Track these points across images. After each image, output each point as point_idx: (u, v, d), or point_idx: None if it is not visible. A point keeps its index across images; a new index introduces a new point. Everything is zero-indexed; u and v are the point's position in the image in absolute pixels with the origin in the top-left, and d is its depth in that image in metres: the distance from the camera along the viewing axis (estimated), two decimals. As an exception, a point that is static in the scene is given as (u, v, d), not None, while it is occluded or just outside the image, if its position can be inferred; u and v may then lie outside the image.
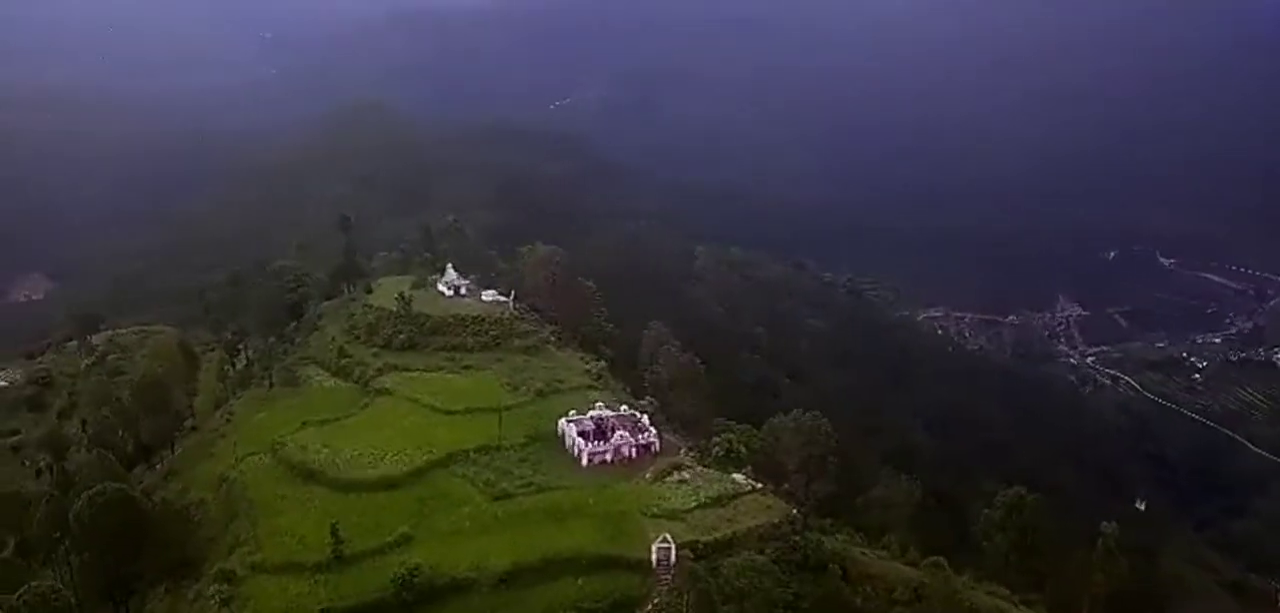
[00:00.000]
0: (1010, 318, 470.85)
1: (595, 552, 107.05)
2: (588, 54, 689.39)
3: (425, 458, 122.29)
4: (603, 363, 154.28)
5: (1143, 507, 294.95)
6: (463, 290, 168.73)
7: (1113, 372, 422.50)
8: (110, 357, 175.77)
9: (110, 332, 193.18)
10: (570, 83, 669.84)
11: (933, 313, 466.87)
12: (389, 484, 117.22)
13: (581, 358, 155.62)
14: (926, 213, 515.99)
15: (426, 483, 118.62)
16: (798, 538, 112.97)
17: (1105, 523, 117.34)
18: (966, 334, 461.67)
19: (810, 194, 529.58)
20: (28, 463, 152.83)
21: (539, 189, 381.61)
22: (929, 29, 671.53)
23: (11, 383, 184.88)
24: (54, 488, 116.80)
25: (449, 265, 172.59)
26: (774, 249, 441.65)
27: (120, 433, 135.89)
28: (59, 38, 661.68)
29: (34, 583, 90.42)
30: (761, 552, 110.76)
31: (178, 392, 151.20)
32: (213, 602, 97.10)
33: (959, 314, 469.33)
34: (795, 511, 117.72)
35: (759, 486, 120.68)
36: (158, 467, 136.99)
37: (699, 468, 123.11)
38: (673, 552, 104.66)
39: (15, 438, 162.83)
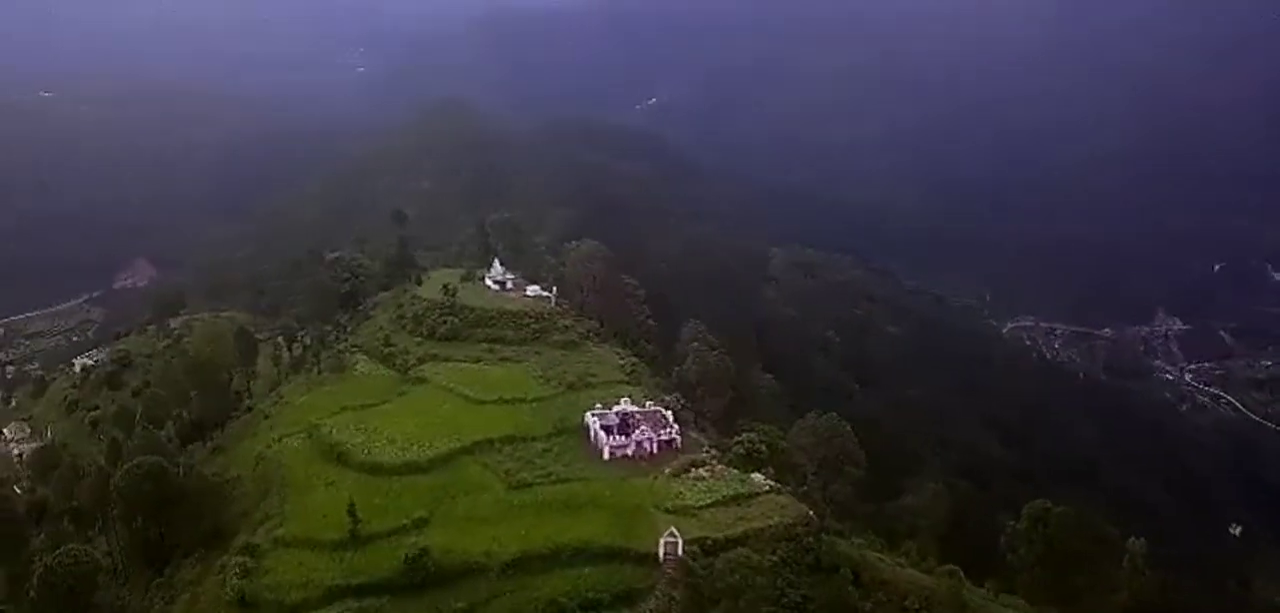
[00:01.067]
0: (1105, 331, 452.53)
1: (604, 544, 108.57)
2: (675, 54, 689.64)
3: (451, 445, 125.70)
4: (636, 359, 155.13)
5: (1237, 532, 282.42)
6: (508, 285, 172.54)
7: (1213, 390, 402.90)
8: (184, 340, 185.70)
9: (187, 317, 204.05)
10: (657, 83, 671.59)
11: (1021, 324, 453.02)
12: (413, 469, 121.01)
13: (617, 354, 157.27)
14: (1017, 220, 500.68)
15: (450, 469, 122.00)
16: (811, 540, 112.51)
17: (1133, 539, 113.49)
18: (1057, 346, 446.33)
19: (896, 198, 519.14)
20: (103, 437, 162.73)
21: (614, 188, 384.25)
22: (1022, 31, 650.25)
23: (98, 362, 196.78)
24: (105, 461, 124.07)
25: (496, 260, 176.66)
26: (856, 254, 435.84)
27: (173, 410, 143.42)
28: (172, 37, 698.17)
29: (67, 547, 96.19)
30: (773, 552, 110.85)
31: (236, 374, 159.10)
32: (234, 571, 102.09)
33: (1049, 325, 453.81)
34: (811, 512, 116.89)
35: (778, 486, 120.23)
36: (208, 444, 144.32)
37: (718, 466, 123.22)
38: (680, 547, 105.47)
39: (94, 413, 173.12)
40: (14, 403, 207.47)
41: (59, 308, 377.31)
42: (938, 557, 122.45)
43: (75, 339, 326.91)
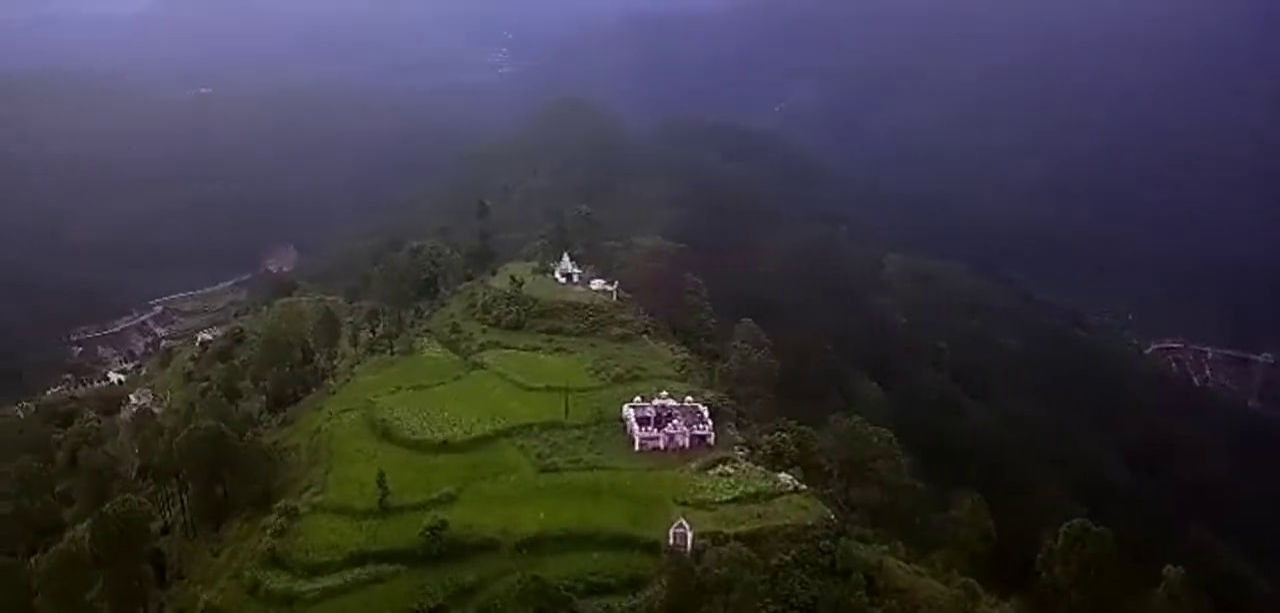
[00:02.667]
0: (1263, 356, 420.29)
1: (618, 530, 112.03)
2: (816, 55, 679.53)
3: (493, 427, 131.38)
4: (690, 355, 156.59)
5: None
6: (574, 278, 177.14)
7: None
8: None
9: (292, 299, 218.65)
10: (795, 85, 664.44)
11: (1168, 345, 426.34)
12: (451, 448, 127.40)
13: (671, 349, 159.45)
14: (1171, 235, 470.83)
15: (486, 450, 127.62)
16: (827, 542, 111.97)
17: (1170, 566, 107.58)
18: (1207, 371, 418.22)
19: (1036, 209, 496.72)
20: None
21: (728, 189, 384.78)
22: (1173, 39, 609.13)
23: (215, 337, 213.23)
24: (178, 423, 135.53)
25: (565, 254, 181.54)
26: (982, 265, 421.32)
27: (261, 383, 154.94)
28: (328, 39, 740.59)
29: (122, 496, 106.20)
30: (787, 552, 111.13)
31: (320, 353, 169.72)
32: (270, 531, 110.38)
33: (1199, 348, 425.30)
34: (831, 515, 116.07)
35: (802, 487, 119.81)
36: (281, 415, 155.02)
37: (746, 464, 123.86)
38: (689, 538, 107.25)
39: (204, 383, 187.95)
40: (144, 372, 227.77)
41: (212, 289, 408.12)
42: (964, 568, 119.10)
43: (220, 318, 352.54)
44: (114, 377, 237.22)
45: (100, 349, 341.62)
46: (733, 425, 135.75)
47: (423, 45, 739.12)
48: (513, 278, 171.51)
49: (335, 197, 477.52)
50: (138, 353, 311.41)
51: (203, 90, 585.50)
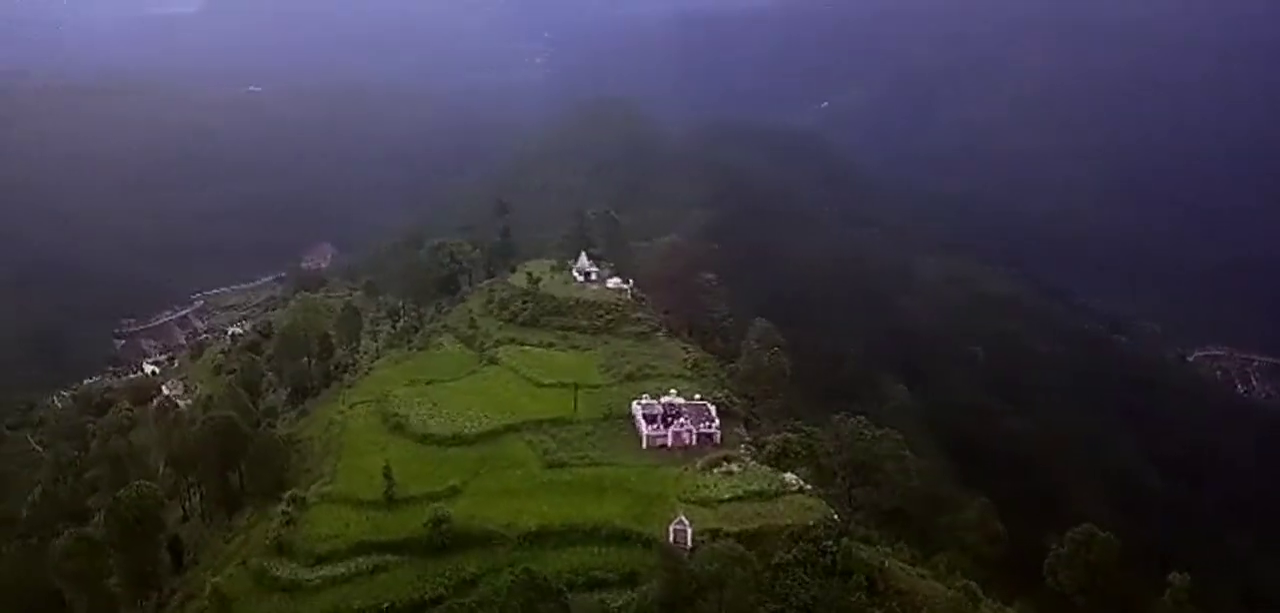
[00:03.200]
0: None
1: (619, 526, 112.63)
2: (864, 55, 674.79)
3: (502, 422, 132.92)
4: (703, 354, 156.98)
5: None
6: (592, 276, 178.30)
7: None
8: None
9: (311, 294, 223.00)
10: (838, 86, 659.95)
11: (1212, 352, 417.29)
12: (460, 441, 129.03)
13: (684, 348, 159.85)
14: (1216, 241, 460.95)
15: (494, 444, 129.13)
16: (829, 543, 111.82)
17: (1175, 573, 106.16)
18: (1253, 379, 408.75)
19: (1081, 212, 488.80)
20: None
21: (761, 190, 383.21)
22: (1223, 37, 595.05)
23: (245, 331, 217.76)
24: (197, 415, 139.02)
25: (582, 253, 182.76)
26: (1025, 269, 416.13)
27: (286, 374, 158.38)
28: (374, 38, 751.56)
29: (135, 483, 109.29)
30: (787, 551, 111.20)
31: (342, 347, 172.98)
32: (278, 520, 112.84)
33: (1245, 356, 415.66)
34: (835, 515, 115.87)
35: (807, 487, 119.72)
36: (298, 407, 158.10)
37: (751, 463, 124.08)
38: (688, 535, 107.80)
39: (230, 377, 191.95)
40: (176, 364, 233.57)
41: (251, 284, 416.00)
42: (967, 570, 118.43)
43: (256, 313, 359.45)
44: (149, 368, 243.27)
45: (143, 342, 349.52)
46: (741, 425, 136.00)
47: (466, 44, 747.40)
48: (529, 275, 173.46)
49: (375, 194, 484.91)
50: (180, 346, 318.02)
51: (252, 89, 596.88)
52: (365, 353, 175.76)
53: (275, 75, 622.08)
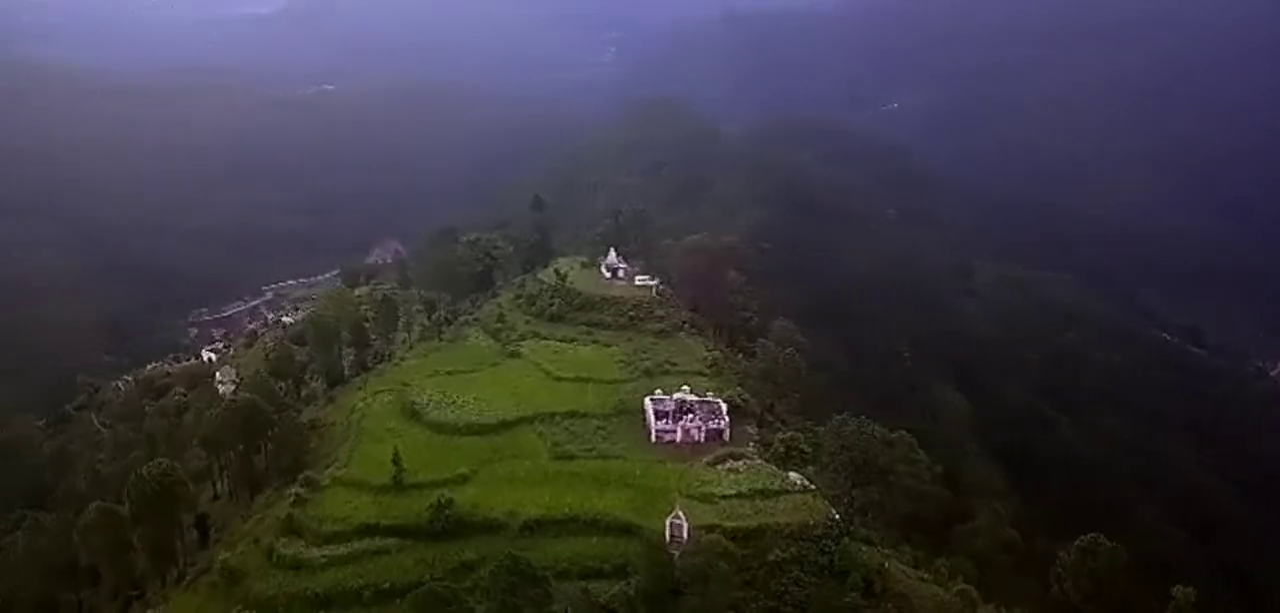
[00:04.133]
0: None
1: (619, 518, 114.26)
2: (931, 55, 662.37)
3: (516, 413, 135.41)
4: (725, 351, 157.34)
5: None
6: (619, 273, 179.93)
7: None
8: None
9: (342, 286, 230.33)
10: (905, 86, 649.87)
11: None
12: (474, 431, 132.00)
13: (705, 345, 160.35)
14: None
15: (506, 435, 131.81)
16: (828, 542, 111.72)
17: (1179, 586, 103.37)
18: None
19: (1158, 217, 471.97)
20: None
21: (817, 190, 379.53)
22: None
23: (295, 322, 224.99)
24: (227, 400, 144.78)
25: (611, 249, 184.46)
26: (1100, 277, 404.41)
27: (308, 364, 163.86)
28: (447, 38, 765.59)
29: (157, 461, 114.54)
30: (786, 549, 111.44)
31: (375, 337, 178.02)
32: (289, 501, 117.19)
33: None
34: (837, 516, 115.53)
35: (811, 486, 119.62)
36: (328, 394, 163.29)
37: (757, 461, 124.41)
38: (685, 529, 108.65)
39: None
40: (232, 352, 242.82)
41: (319, 278, 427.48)
42: (972, 576, 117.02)
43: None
44: (206, 355, 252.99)
45: (213, 331, 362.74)
46: (753, 423, 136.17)
47: (534, 43, 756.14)
48: (556, 271, 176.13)
49: (442, 189, 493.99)
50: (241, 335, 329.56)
51: (326, 87, 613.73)
52: (401, 344, 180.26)
53: (348, 74, 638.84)
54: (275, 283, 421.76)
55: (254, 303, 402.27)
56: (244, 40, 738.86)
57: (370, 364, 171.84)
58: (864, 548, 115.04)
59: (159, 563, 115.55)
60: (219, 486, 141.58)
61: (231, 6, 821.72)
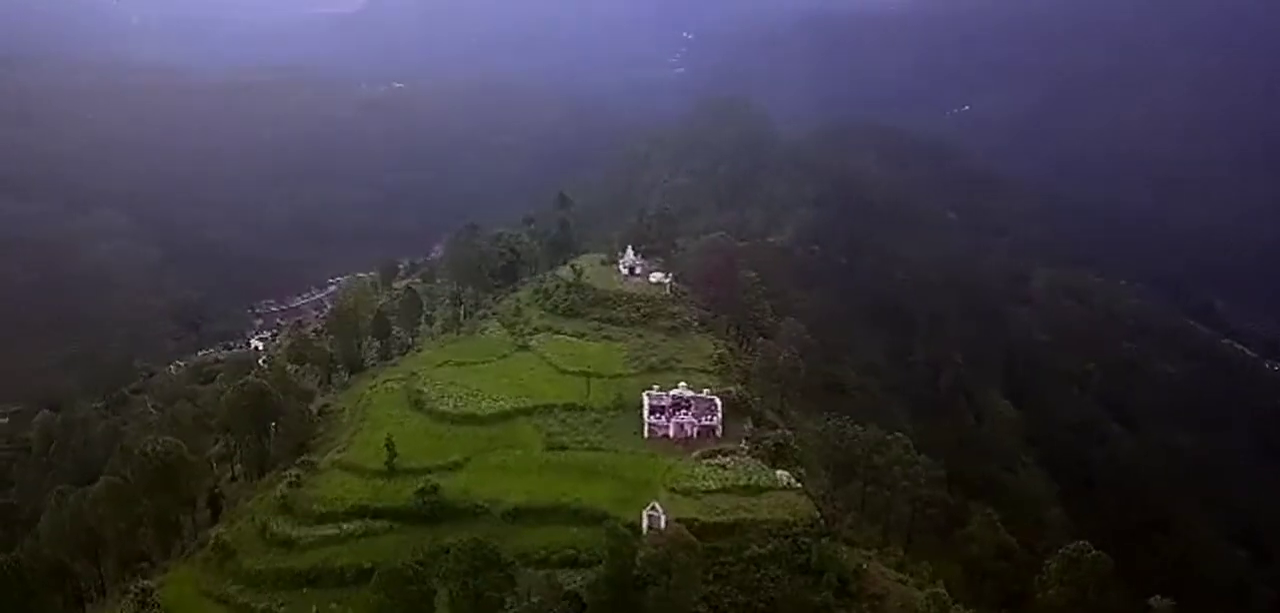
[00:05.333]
0: None
1: (601, 509, 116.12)
2: (1008, 57, 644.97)
3: (517, 404, 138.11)
4: (733, 349, 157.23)
5: None
6: (636, 270, 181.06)
7: None
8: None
9: (361, 277, 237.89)
10: (983, 88, 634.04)
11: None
12: (472, 420, 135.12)
13: (714, 343, 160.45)
14: None
15: (504, 425, 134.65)
16: (807, 540, 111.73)
17: (1157, 597, 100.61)
18: None
19: (1238, 228, 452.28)
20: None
21: (878, 193, 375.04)
22: None
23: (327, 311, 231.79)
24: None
25: (629, 247, 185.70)
26: (1168, 285, 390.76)
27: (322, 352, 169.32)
28: (520, 35, 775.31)
29: (162, 438, 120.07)
30: (764, 545, 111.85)
31: (398, 329, 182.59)
32: (287, 482, 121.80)
33: None
34: (819, 514, 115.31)
35: (796, 485, 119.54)
36: (345, 381, 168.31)
37: (746, 458, 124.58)
38: (662, 521, 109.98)
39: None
40: (276, 340, 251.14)
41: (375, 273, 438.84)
42: (957, 577, 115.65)
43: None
44: (255, 343, 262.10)
45: (280, 321, 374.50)
46: (750, 421, 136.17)
47: (608, 43, 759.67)
48: (572, 267, 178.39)
49: (507, 187, 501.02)
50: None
51: (396, 85, 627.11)
52: (424, 336, 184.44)
53: (422, 72, 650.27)
54: (340, 276, 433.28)
55: (319, 295, 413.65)
56: (324, 39, 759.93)
57: (394, 354, 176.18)
58: (844, 548, 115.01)
59: (165, 537, 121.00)
60: (234, 467, 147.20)
61: (315, 6, 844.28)
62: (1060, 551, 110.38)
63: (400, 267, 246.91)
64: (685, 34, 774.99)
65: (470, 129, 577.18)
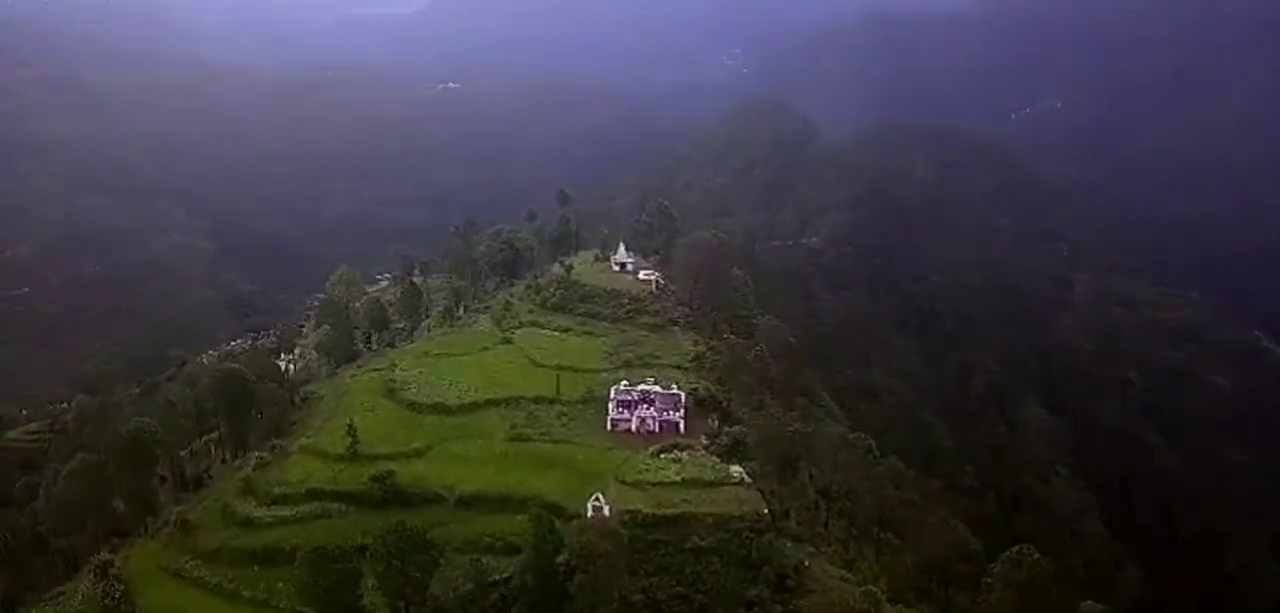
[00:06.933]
0: None
1: (551, 499, 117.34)
2: (1071, 60, 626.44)
3: (486, 396, 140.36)
4: (707, 346, 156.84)
5: None
6: (627, 267, 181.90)
7: None
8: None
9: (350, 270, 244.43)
10: (1041, 92, 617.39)
11: None
12: (441, 410, 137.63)
13: (694, 340, 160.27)
14: None
15: (471, 416, 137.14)
16: (750, 535, 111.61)
17: (1088, 602, 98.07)
18: None
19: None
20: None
21: (919, 196, 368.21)
22: None
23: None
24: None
25: (621, 244, 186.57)
26: (1225, 294, 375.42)
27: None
28: (574, 35, 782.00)
29: (134, 419, 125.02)
30: (705, 538, 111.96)
31: (397, 320, 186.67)
32: (252, 464, 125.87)
33: None
34: (766, 510, 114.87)
35: (748, 481, 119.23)
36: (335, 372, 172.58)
37: (700, 453, 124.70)
38: (605, 511, 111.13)
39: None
40: (304, 332, 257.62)
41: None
42: (907, 579, 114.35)
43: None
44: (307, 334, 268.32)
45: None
46: (714, 417, 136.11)
47: (661, 44, 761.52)
48: (561, 263, 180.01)
49: (557, 186, 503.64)
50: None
51: (451, 85, 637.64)
52: (422, 328, 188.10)
53: (475, 72, 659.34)
54: (389, 272, 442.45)
55: (371, 291, 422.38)
56: (382, 39, 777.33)
57: (393, 344, 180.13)
58: (789, 544, 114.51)
59: (138, 513, 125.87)
60: (226, 451, 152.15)
61: (374, 6, 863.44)
62: (1003, 555, 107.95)
63: (415, 264, 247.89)
64: (740, 35, 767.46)
65: (524, 129, 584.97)
